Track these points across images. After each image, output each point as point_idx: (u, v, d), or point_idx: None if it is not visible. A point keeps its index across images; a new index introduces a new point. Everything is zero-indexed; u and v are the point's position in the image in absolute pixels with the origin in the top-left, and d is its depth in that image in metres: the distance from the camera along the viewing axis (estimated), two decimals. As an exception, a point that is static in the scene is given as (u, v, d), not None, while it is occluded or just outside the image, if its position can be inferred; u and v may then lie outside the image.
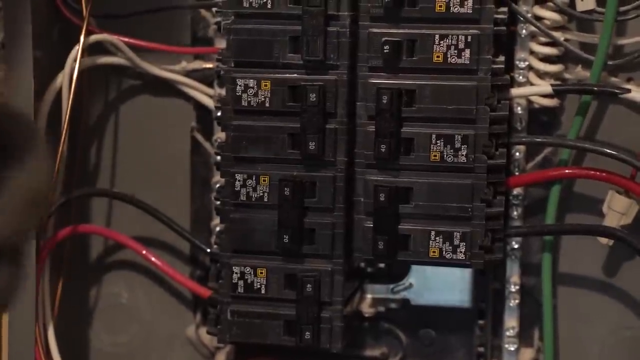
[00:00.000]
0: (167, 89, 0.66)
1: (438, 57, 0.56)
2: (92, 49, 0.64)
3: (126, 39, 0.63)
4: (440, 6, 0.56)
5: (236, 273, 0.59)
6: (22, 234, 0.32)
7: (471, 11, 0.55)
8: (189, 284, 0.65)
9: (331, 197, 0.57)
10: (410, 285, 0.65)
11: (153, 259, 0.65)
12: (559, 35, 0.61)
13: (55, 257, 0.65)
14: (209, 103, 0.65)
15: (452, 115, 0.56)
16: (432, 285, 0.65)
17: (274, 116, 0.57)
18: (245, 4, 0.57)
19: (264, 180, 0.58)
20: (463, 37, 0.56)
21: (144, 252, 0.65)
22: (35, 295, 0.62)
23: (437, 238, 0.57)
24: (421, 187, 0.57)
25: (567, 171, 0.61)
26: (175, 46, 0.65)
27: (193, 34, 0.66)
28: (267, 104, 0.57)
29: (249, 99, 0.57)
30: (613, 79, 0.61)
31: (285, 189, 0.57)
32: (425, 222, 0.57)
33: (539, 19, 0.61)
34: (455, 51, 0.56)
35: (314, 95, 0.56)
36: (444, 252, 0.57)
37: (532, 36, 0.61)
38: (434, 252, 0.57)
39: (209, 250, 0.64)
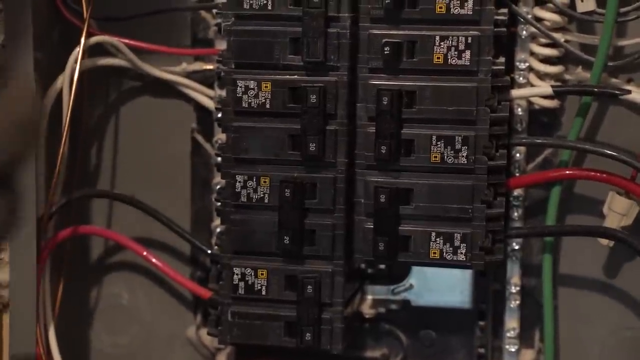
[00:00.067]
0: (168, 90, 0.66)
1: (438, 58, 0.56)
2: (92, 51, 0.64)
3: (127, 41, 0.63)
4: (441, 7, 0.56)
5: (237, 274, 0.59)
6: (14, 160, 0.31)
7: (471, 12, 0.55)
8: (189, 285, 0.65)
9: (331, 198, 0.57)
10: (411, 287, 0.65)
11: (153, 260, 0.65)
12: (559, 37, 0.61)
13: (55, 258, 0.65)
14: (210, 104, 0.65)
15: (453, 116, 0.56)
16: (432, 286, 0.65)
17: (275, 117, 0.57)
18: (246, 6, 0.57)
19: (265, 182, 0.58)
20: (463, 38, 0.56)
21: (144, 253, 0.65)
22: (36, 295, 0.62)
23: (438, 239, 0.57)
24: (421, 188, 0.57)
25: (567, 172, 0.61)
26: (176, 48, 0.65)
27: (193, 35, 0.66)
28: (267, 105, 0.57)
29: (250, 100, 0.57)
30: (613, 80, 0.62)
31: (286, 190, 0.57)
32: (426, 223, 0.57)
33: (539, 20, 0.61)
34: (456, 52, 0.56)
35: (315, 96, 0.56)
36: (444, 253, 0.57)
37: (533, 37, 0.61)
38: (434, 253, 0.57)
39: (209, 251, 0.65)
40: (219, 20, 0.59)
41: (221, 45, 0.62)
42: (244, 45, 0.57)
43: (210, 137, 0.67)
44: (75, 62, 0.62)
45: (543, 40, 0.61)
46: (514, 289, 0.64)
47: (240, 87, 0.57)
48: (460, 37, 0.56)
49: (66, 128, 0.62)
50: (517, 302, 0.64)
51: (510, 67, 0.61)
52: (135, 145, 0.68)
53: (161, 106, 0.67)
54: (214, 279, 0.61)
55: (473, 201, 0.56)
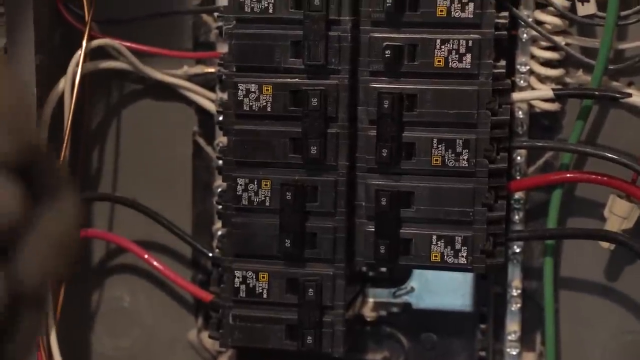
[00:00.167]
0: (169, 93, 0.66)
1: (439, 61, 0.56)
2: (94, 54, 0.64)
3: (128, 44, 0.63)
4: (442, 11, 0.56)
5: (238, 277, 0.59)
6: (51, 280, 0.31)
7: (472, 16, 0.56)
8: (190, 288, 0.65)
9: (333, 201, 0.57)
10: (412, 289, 0.65)
11: (155, 263, 0.65)
12: (560, 40, 0.61)
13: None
14: (211, 107, 0.65)
15: (454, 119, 0.56)
16: (433, 289, 0.65)
17: (276, 120, 0.58)
18: (247, 9, 0.57)
19: (266, 185, 0.58)
20: (464, 41, 0.56)
21: (145, 256, 0.65)
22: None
23: (439, 242, 0.57)
24: (422, 191, 0.57)
25: (568, 175, 0.61)
26: (177, 51, 0.65)
27: (195, 38, 0.66)
28: (268, 109, 0.57)
29: (251, 104, 0.58)
30: (614, 83, 0.62)
31: (287, 193, 0.57)
32: (427, 227, 0.57)
33: (540, 23, 0.61)
34: (457, 56, 0.56)
35: (316, 99, 0.56)
36: (445, 257, 0.57)
37: (533, 40, 0.62)
38: (435, 256, 0.57)
39: (210, 254, 0.64)
40: (220, 24, 0.59)
41: (222, 48, 0.62)
42: (245, 49, 0.57)
43: (211, 140, 0.67)
44: (77, 65, 0.62)
45: (544, 44, 0.61)
46: (515, 292, 0.64)
47: (242, 90, 0.57)
48: (461, 41, 0.56)
49: (68, 131, 0.62)
50: (518, 305, 0.64)
51: (511, 70, 0.61)
52: (137, 148, 0.68)
53: (162, 109, 0.67)
54: (215, 282, 0.61)
55: (474, 204, 0.56)
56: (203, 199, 0.67)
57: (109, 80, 0.67)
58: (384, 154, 0.56)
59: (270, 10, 0.57)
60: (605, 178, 0.59)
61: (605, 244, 0.61)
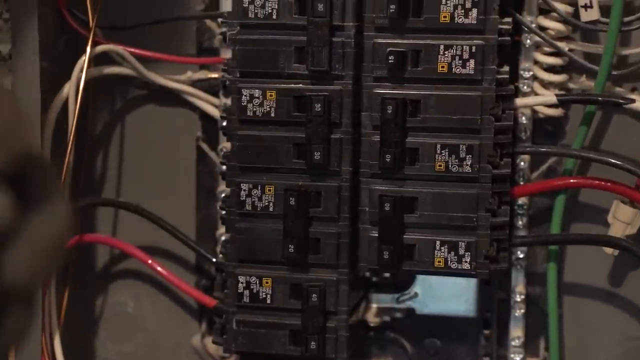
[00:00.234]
0: (173, 98, 0.66)
1: (443, 67, 0.56)
2: (98, 59, 0.64)
3: (132, 49, 0.64)
4: (445, 17, 0.56)
5: (242, 282, 0.59)
6: (40, 279, 0.32)
7: (476, 22, 0.56)
8: (194, 293, 0.65)
9: (336, 206, 0.57)
10: (416, 295, 0.65)
11: (158, 268, 0.65)
12: (563, 46, 0.61)
13: (61, 267, 0.66)
14: (215, 113, 0.65)
15: (457, 125, 0.56)
16: (437, 294, 0.65)
17: (279, 126, 0.58)
18: (251, 15, 0.57)
19: (270, 190, 0.58)
20: (467, 47, 0.56)
21: (149, 261, 0.65)
22: (41, 304, 0.62)
23: (442, 248, 0.57)
24: (426, 196, 0.57)
25: (571, 181, 0.61)
26: (181, 56, 0.65)
27: (198, 44, 0.66)
28: (272, 114, 0.57)
29: (255, 109, 0.58)
30: (617, 89, 0.62)
31: (291, 198, 0.57)
32: (431, 232, 0.57)
33: (543, 29, 0.61)
34: (460, 61, 0.56)
35: (319, 105, 0.56)
36: (449, 262, 0.57)
37: (537, 46, 0.62)
38: (439, 261, 0.57)
39: (214, 259, 0.65)
40: (224, 29, 0.59)
41: (226, 54, 0.63)
42: (249, 54, 0.58)
43: (215, 145, 0.67)
44: (81, 70, 0.62)
45: (547, 49, 0.61)
46: (518, 298, 0.64)
47: (245, 95, 0.58)
48: (464, 46, 0.56)
49: (72, 136, 0.62)
50: (522, 310, 0.64)
51: (515, 75, 0.61)
52: (141, 154, 0.68)
53: (166, 115, 0.67)
54: (218, 287, 0.61)
55: (477, 210, 0.57)
56: (207, 204, 0.67)
57: (113, 85, 0.67)
58: (388, 160, 0.56)
59: (274, 16, 0.57)
60: (608, 184, 0.59)
61: (609, 250, 0.61)
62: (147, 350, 0.69)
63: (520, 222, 0.63)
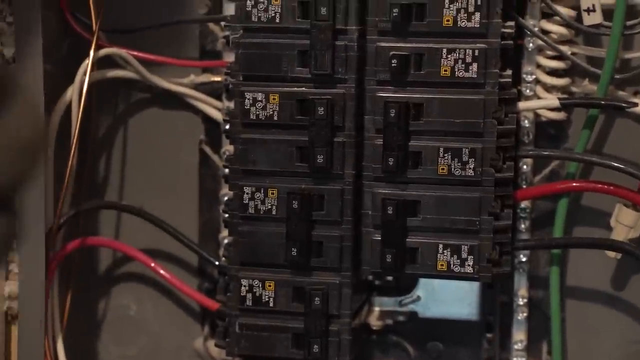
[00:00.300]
0: (176, 102, 0.67)
1: (445, 71, 0.56)
2: (101, 63, 0.64)
3: (135, 53, 0.64)
4: (448, 20, 0.56)
5: (244, 286, 0.59)
6: (17, 183, 0.32)
7: (478, 25, 0.56)
8: (197, 297, 0.65)
9: (339, 210, 0.57)
10: (418, 298, 0.65)
11: (161, 271, 0.65)
12: (566, 49, 0.61)
13: (64, 270, 0.66)
14: (218, 116, 0.65)
15: (460, 128, 0.56)
16: (440, 298, 0.65)
17: (282, 129, 0.58)
18: (254, 19, 0.57)
19: (272, 193, 0.58)
20: (470, 51, 0.56)
21: (152, 264, 0.65)
22: (44, 307, 0.62)
23: (445, 251, 0.57)
24: (429, 200, 0.57)
25: (574, 184, 0.61)
26: (184, 60, 0.65)
27: (201, 47, 0.67)
28: (275, 118, 0.58)
29: (258, 112, 0.58)
30: (620, 93, 0.62)
31: (294, 202, 0.57)
32: (433, 235, 0.57)
33: (546, 32, 0.61)
34: (463, 65, 0.56)
35: (322, 108, 0.56)
36: (451, 265, 0.57)
37: (539, 50, 0.62)
38: (441, 265, 0.57)
39: (217, 262, 0.65)
40: (227, 33, 0.59)
41: (229, 57, 0.63)
42: (252, 58, 0.58)
43: (218, 148, 0.67)
44: (84, 74, 0.62)
45: (550, 53, 0.61)
46: (521, 301, 0.64)
47: (248, 99, 0.58)
48: (467, 50, 0.56)
49: (75, 140, 0.62)
50: (525, 314, 0.64)
51: (517, 79, 0.61)
52: (144, 157, 0.68)
53: (169, 118, 0.67)
54: (221, 290, 0.61)
55: (480, 213, 0.57)
56: (209, 208, 0.68)
57: (116, 89, 0.67)
58: (391, 163, 0.56)
59: (277, 20, 0.57)
60: (611, 187, 0.59)
61: (611, 253, 0.61)
62: (149, 353, 0.70)
63: (522, 226, 0.63)
